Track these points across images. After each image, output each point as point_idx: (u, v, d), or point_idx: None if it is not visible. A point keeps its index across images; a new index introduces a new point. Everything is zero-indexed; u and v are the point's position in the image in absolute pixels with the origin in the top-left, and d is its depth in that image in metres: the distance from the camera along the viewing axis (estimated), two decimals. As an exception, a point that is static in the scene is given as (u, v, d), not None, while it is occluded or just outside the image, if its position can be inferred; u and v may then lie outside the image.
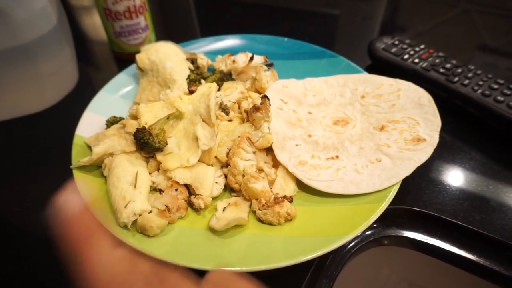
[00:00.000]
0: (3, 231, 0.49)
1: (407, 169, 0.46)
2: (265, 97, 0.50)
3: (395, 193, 0.45)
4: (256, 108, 0.50)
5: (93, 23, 0.87)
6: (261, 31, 0.73)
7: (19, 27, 0.54)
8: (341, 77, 0.61)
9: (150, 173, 0.48)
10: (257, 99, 0.52)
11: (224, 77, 0.62)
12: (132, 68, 0.64)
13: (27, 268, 0.44)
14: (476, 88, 0.58)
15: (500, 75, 0.60)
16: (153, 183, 0.47)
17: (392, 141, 0.49)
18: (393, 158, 0.47)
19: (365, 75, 0.60)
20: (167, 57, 0.59)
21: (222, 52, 0.67)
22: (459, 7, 0.95)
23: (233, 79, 0.63)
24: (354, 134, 0.52)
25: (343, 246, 0.46)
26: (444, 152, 0.55)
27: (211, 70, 0.66)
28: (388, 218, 0.49)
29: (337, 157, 0.49)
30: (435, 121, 0.50)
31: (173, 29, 0.95)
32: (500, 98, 0.55)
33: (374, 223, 0.43)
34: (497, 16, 0.92)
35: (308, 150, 0.51)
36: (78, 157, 0.49)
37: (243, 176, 0.46)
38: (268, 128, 0.49)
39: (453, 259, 0.47)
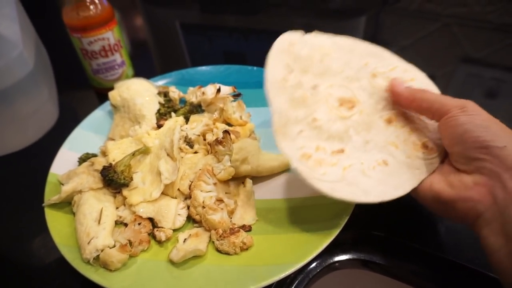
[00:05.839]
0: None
1: (413, 180, 0.42)
2: (226, 132, 0.52)
3: (348, 217, 0.45)
4: (218, 142, 0.52)
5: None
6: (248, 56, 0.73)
7: (-3, 75, 0.58)
8: (349, 40, 0.52)
9: (117, 208, 0.51)
10: (220, 131, 0.55)
11: (193, 109, 0.65)
12: (107, 104, 0.67)
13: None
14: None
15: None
16: (120, 217, 0.49)
17: (400, 141, 0.45)
18: (399, 163, 0.44)
19: (375, 48, 0.52)
20: (137, 93, 0.62)
21: (194, 83, 0.69)
22: (440, 21, 0.97)
23: (203, 111, 0.66)
24: (360, 122, 0.47)
25: (303, 270, 0.47)
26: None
27: (183, 102, 0.68)
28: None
29: (342, 150, 0.45)
30: None
31: (167, 59, 0.97)
32: None
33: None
34: (477, 28, 0.94)
35: (312, 138, 0.45)
36: (50, 195, 0.52)
37: (203, 207, 0.48)
38: (230, 161, 0.51)
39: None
